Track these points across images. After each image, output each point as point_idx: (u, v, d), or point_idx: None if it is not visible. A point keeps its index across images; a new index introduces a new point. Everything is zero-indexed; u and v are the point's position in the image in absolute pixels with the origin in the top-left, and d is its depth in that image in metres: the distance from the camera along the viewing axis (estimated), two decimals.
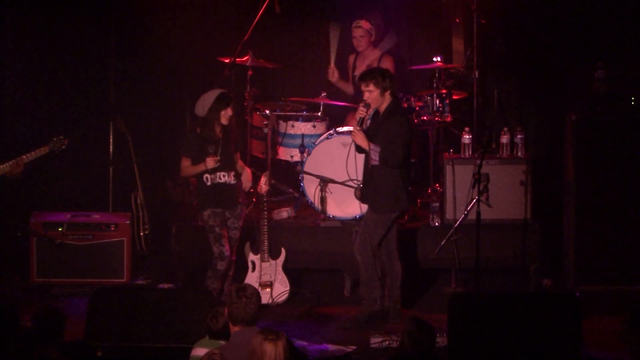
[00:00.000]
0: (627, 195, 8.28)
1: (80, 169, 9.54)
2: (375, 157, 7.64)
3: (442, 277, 8.69)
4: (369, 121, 7.85)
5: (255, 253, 8.35)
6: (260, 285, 8.25)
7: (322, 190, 8.68)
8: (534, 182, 8.72)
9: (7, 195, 9.05)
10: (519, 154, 8.79)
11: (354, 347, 7.37)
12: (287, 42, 10.31)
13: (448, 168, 8.74)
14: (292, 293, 8.36)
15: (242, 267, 8.34)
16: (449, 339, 6.73)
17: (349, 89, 9.71)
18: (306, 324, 7.95)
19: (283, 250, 8.38)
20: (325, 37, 9.92)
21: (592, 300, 7.90)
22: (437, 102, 9.18)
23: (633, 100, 8.28)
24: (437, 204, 8.80)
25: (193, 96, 8.36)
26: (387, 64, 9.44)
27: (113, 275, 8.74)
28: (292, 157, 9.22)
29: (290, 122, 9.24)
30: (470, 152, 8.90)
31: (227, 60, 9.28)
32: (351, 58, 9.74)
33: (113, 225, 8.81)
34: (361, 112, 7.75)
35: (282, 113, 9.32)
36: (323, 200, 8.69)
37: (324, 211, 8.72)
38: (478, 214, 7.96)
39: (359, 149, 7.85)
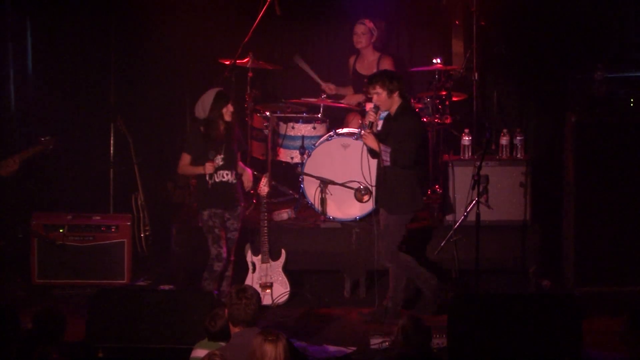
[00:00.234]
0: (626, 196, 8.30)
1: (81, 171, 9.55)
2: (386, 158, 7.66)
3: (442, 278, 8.69)
4: (380, 122, 7.85)
5: (256, 254, 8.36)
6: (260, 286, 8.26)
7: (322, 191, 8.69)
8: (533, 183, 8.74)
9: (9, 196, 9.07)
10: (519, 155, 8.81)
11: (353, 348, 7.39)
12: (287, 44, 10.32)
13: (449, 170, 8.76)
14: (292, 294, 8.37)
15: (242, 268, 8.36)
16: (448, 340, 6.73)
17: (349, 92, 9.73)
18: (306, 325, 7.96)
19: (283, 251, 8.39)
20: (325, 39, 9.95)
21: (592, 301, 7.92)
22: (437, 103, 9.20)
23: (632, 102, 8.30)
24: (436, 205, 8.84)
25: (193, 97, 8.37)
26: (387, 65, 9.46)
27: (114, 276, 8.75)
28: (292, 158, 9.23)
29: (291, 124, 9.26)
30: (469, 154, 8.92)
31: (227, 62, 9.29)
32: (351, 60, 9.75)
33: (114, 227, 8.82)
34: (371, 115, 7.77)
35: (283, 115, 9.33)
36: (323, 201, 8.70)
37: (324, 212, 8.73)
38: (478, 215, 7.97)
39: (372, 153, 7.85)
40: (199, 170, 7.96)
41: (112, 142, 9.52)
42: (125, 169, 9.37)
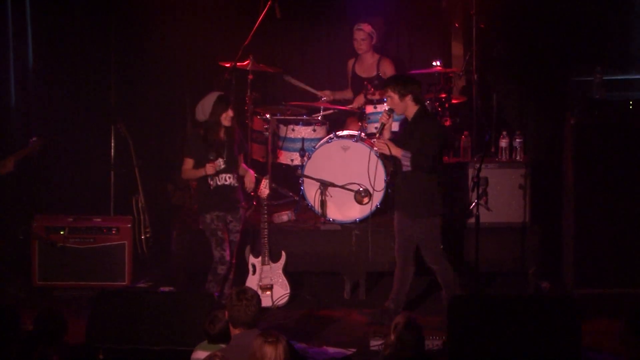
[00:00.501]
0: (626, 198, 8.31)
1: (82, 173, 9.56)
2: (407, 163, 7.65)
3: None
4: (391, 124, 7.85)
5: (256, 256, 8.38)
6: (260, 288, 8.27)
7: (322, 193, 8.71)
8: (532, 185, 8.74)
9: (9, 198, 9.09)
10: (518, 157, 8.82)
11: (353, 350, 7.40)
12: (287, 47, 10.34)
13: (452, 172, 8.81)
14: (293, 296, 8.39)
15: (242, 270, 8.37)
16: (448, 342, 6.75)
17: (348, 94, 9.75)
18: (306, 327, 7.98)
19: (283, 253, 8.41)
20: (325, 41, 9.97)
21: (591, 303, 7.92)
22: (437, 106, 9.21)
23: (631, 105, 8.31)
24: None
25: (194, 100, 8.39)
26: (387, 68, 9.48)
27: (114, 278, 8.77)
28: (292, 160, 9.24)
29: (291, 126, 9.26)
30: (469, 156, 8.93)
31: (228, 65, 9.31)
32: (350, 62, 9.76)
33: (114, 229, 8.84)
34: (383, 117, 7.80)
35: (283, 117, 9.34)
36: (323, 203, 8.72)
37: (324, 214, 8.75)
38: (477, 217, 7.99)
39: (384, 156, 7.86)
40: (201, 172, 7.98)
41: (112, 144, 9.52)
42: (125, 172, 9.38)
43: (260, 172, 8.77)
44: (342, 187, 8.69)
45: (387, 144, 7.71)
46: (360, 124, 9.30)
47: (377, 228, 8.65)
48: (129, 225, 8.90)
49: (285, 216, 9.01)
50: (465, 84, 9.75)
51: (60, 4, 9.55)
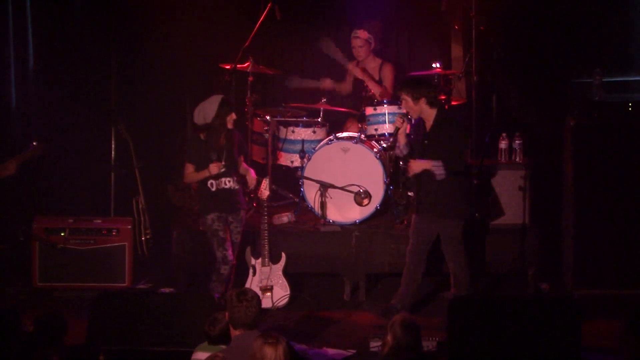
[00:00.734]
0: (625, 200, 8.33)
1: (82, 174, 9.57)
2: (439, 172, 7.63)
3: (442, 281, 8.72)
4: (406, 128, 7.83)
5: (256, 257, 8.39)
6: (260, 289, 8.28)
7: (322, 195, 8.72)
8: (532, 187, 8.75)
9: (10, 199, 9.09)
10: (518, 159, 8.83)
11: (353, 351, 7.40)
12: (287, 48, 10.35)
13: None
14: (293, 297, 8.40)
15: (242, 272, 8.38)
16: (448, 343, 6.76)
17: (345, 87, 9.74)
18: (306, 328, 7.99)
19: (283, 254, 8.42)
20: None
21: (591, 304, 7.93)
22: None
23: (630, 106, 8.33)
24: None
25: (193, 99, 8.41)
26: (387, 72, 9.51)
27: (115, 279, 8.77)
28: (292, 162, 9.25)
29: (291, 128, 9.27)
30: (469, 158, 8.93)
31: (228, 67, 9.32)
32: (352, 63, 9.75)
33: (115, 230, 8.85)
34: (398, 121, 7.80)
35: (283, 119, 9.35)
36: (323, 205, 8.73)
37: (324, 216, 8.76)
38: (477, 218, 7.99)
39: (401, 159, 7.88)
40: (204, 174, 7.99)
41: (113, 146, 9.53)
42: (126, 173, 9.39)
43: (260, 174, 8.77)
44: (342, 188, 8.70)
45: (418, 164, 7.68)
46: (360, 125, 9.32)
47: (377, 229, 8.66)
48: (129, 227, 8.91)
49: (285, 218, 9.02)
50: (465, 86, 9.75)
51: (60, 4, 9.57)
